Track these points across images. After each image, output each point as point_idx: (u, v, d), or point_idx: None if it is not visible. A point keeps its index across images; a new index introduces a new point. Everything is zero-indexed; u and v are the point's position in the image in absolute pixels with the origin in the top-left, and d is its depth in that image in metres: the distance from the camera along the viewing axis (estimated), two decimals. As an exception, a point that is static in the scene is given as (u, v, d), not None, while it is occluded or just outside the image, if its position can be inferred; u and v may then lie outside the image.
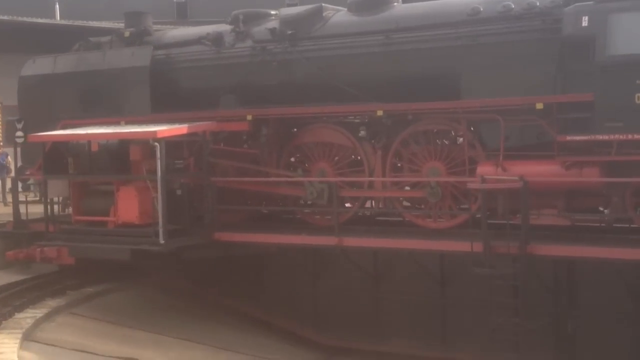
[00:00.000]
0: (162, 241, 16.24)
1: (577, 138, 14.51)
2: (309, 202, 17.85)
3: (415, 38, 16.27)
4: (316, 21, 17.57)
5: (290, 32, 17.44)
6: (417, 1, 17.78)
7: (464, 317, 17.11)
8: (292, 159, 18.39)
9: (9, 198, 22.15)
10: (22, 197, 20.73)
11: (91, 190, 18.06)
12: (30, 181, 21.50)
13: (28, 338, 14.68)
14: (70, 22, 26.84)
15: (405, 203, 17.42)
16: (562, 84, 14.73)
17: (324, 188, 17.03)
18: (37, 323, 15.38)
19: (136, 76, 18.64)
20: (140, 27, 19.76)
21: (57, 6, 33.24)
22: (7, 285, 17.55)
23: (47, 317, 15.83)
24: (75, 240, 17.56)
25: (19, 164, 21.13)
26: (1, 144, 26.86)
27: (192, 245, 17.05)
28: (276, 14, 18.40)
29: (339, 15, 17.65)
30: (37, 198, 21.16)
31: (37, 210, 20.23)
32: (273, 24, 17.97)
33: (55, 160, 18.39)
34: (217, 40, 18.41)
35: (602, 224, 15.69)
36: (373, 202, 17.82)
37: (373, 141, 17.15)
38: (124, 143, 17.72)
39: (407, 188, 17.18)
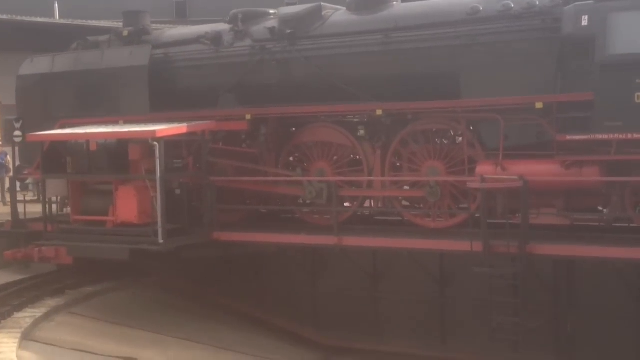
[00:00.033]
0: (161, 241, 16.21)
1: (577, 137, 14.50)
2: (308, 202, 17.82)
3: (414, 37, 16.22)
4: (315, 20, 17.53)
5: (289, 31, 17.40)
6: (416, 0, 17.75)
7: (463, 317, 17.08)
8: (291, 159, 18.36)
9: (9, 197, 22.08)
10: (20, 197, 20.69)
11: (90, 189, 18.01)
12: (29, 181, 21.47)
13: (27, 337, 14.67)
14: (69, 22, 26.83)
15: (404, 203, 17.42)
16: (561, 84, 14.74)
17: (323, 187, 17.01)
18: (36, 322, 15.37)
19: (135, 75, 18.58)
20: (138, 26, 19.71)
21: (57, 5, 33.23)
22: (6, 285, 17.54)
23: (46, 316, 15.82)
24: (74, 240, 17.51)
25: (17, 163, 21.08)
26: (0, 143, 26.82)
27: (191, 245, 17.02)
28: (275, 13, 18.36)
29: (338, 15, 17.62)
30: (35, 198, 21.12)
31: (34, 209, 20.20)
32: (272, 23, 17.95)
33: (54, 159, 18.34)
34: (216, 39, 18.37)
35: (602, 224, 15.64)
36: (372, 201, 17.78)
37: (372, 141, 17.11)
38: (123, 142, 17.67)
39: (406, 187, 17.16)
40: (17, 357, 13.44)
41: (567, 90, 14.63)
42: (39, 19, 26.57)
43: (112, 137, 17.68)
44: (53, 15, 32.29)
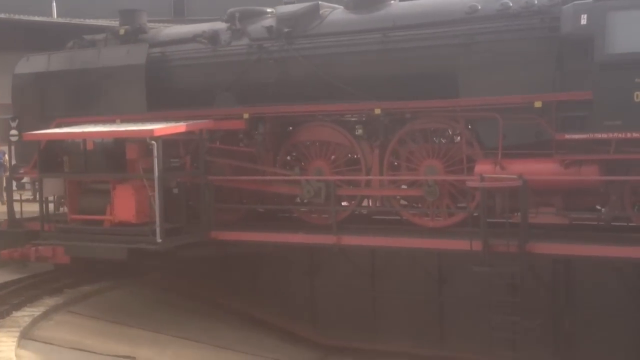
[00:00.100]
0: (159, 240, 16.19)
1: (576, 136, 14.52)
2: (305, 201, 17.80)
3: (412, 36, 16.22)
4: (313, 19, 17.52)
5: (286, 30, 17.39)
6: (414, -1, 17.78)
7: (462, 316, 17.09)
8: (289, 158, 18.33)
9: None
10: (16, 196, 20.62)
11: (87, 188, 17.98)
12: (25, 179, 21.41)
13: (26, 336, 14.64)
14: (67, 21, 26.79)
15: (402, 202, 17.41)
16: (560, 82, 14.75)
17: (321, 187, 16.99)
18: (35, 321, 15.33)
19: (132, 74, 18.57)
20: (135, 25, 19.65)
21: (54, 4, 33.17)
22: (4, 284, 17.48)
23: (45, 315, 15.79)
24: (72, 240, 17.47)
25: (14, 162, 21.00)
26: (-2, 142, 26.72)
27: (189, 244, 16.99)
28: (272, 12, 18.31)
29: (336, 13, 17.59)
30: (32, 197, 21.05)
31: (30, 209, 20.15)
32: (269, 21, 17.92)
33: (50, 158, 18.29)
34: (213, 38, 18.35)
35: (601, 223, 15.65)
36: (370, 200, 17.77)
37: (370, 140, 17.09)
38: (120, 141, 17.63)
39: (404, 187, 17.15)
40: (15, 355, 13.42)
41: (566, 89, 14.65)
42: (36, 18, 26.54)
43: (109, 136, 17.63)
44: (51, 14, 32.27)
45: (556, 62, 14.79)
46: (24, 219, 20.03)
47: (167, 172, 16.90)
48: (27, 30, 24.05)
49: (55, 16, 31.95)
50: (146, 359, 15.14)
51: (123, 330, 16.23)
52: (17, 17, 25.53)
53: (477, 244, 14.55)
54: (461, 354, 17.16)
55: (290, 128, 18.27)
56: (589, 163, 14.58)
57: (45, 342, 14.75)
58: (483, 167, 15.30)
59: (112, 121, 18.46)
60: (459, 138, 16.72)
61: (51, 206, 19.43)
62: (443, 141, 16.92)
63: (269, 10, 18.51)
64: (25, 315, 15.55)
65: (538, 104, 14.80)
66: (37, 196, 19.34)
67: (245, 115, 17.45)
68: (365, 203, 17.92)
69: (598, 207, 15.85)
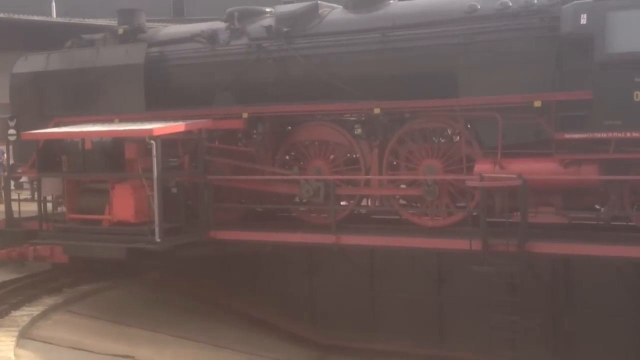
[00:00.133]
0: (158, 239, 16.17)
1: (576, 136, 14.52)
2: (304, 200, 17.78)
3: (412, 36, 16.20)
4: (312, 19, 17.50)
5: (285, 29, 17.38)
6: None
7: (461, 315, 17.11)
8: (287, 157, 18.31)
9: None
10: (15, 196, 20.59)
11: (85, 188, 17.96)
12: (23, 179, 21.38)
13: (24, 336, 14.59)
14: (66, 20, 26.78)
15: (401, 201, 17.39)
16: (560, 82, 14.74)
17: (320, 186, 16.97)
18: (34, 321, 15.30)
19: (130, 74, 18.55)
20: (134, 24, 19.63)
21: (54, 4, 33.15)
22: (2, 283, 17.42)
23: (44, 314, 15.75)
24: (70, 239, 17.44)
25: (12, 162, 20.97)
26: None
27: (188, 244, 16.97)
28: (271, 12, 18.30)
29: (335, 13, 17.58)
30: (30, 196, 21.01)
31: (27, 208, 20.11)
32: (268, 21, 17.91)
33: (48, 158, 18.26)
34: (211, 37, 18.34)
35: (600, 222, 15.64)
36: (369, 200, 17.76)
37: (369, 139, 17.08)
38: (118, 141, 17.60)
39: (403, 186, 17.14)
40: (14, 355, 13.38)
41: (565, 89, 14.64)
42: (36, 18, 26.54)
43: (108, 136, 17.61)
44: (50, 14, 32.25)
45: (556, 61, 14.78)
46: (22, 218, 19.99)
47: (166, 171, 16.85)
48: (27, 30, 24.05)
49: (55, 16, 31.97)
50: (145, 359, 15.11)
51: (122, 330, 16.21)
52: (16, 16, 25.53)
53: (476, 244, 14.54)
54: (460, 354, 17.18)
55: (289, 128, 18.25)
56: (589, 162, 14.57)
57: (44, 342, 14.71)
58: (482, 167, 15.29)
59: (110, 121, 18.42)
60: (458, 138, 16.71)
61: (49, 206, 19.35)
62: (442, 141, 16.90)
63: (267, 9, 18.50)
64: (24, 314, 15.52)
65: (537, 104, 14.80)
66: (36, 196, 19.34)
67: (244, 115, 17.43)
68: (363, 203, 17.92)
69: (597, 207, 15.85)
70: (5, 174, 20.48)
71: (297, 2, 18.05)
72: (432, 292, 17.51)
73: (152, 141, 16.14)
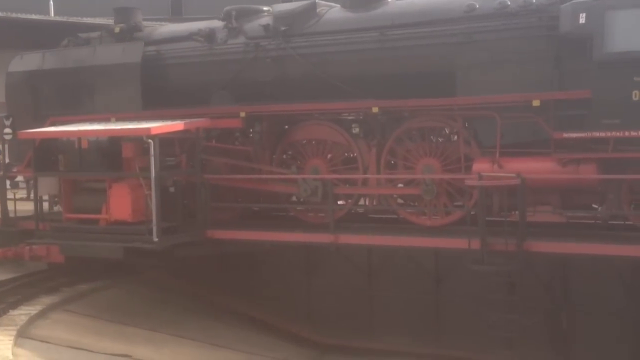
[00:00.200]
0: (155, 239, 16.11)
1: (574, 135, 14.52)
2: (301, 200, 17.76)
3: (410, 35, 16.14)
4: (310, 17, 17.45)
5: (283, 28, 17.32)
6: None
7: (459, 314, 17.14)
8: (284, 156, 18.29)
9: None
10: (10, 195, 20.52)
11: (82, 187, 17.90)
12: (19, 178, 21.29)
13: (22, 335, 14.60)
14: (64, 19, 26.70)
15: (399, 200, 17.39)
16: (559, 81, 14.72)
17: (318, 185, 16.96)
18: (32, 320, 15.31)
19: (127, 73, 18.49)
20: (130, 23, 19.55)
21: (51, 2, 33.06)
22: (0, 282, 17.41)
23: (42, 314, 15.76)
24: (67, 238, 17.38)
25: (7, 161, 20.89)
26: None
27: (186, 243, 16.93)
28: (269, 11, 18.26)
29: (333, 12, 17.55)
30: (25, 196, 20.93)
31: (22, 208, 20.05)
32: (266, 20, 17.87)
33: (44, 157, 18.21)
34: (209, 36, 18.28)
35: (598, 221, 15.67)
36: (367, 199, 17.76)
37: (367, 138, 17.08)
38: (115, 140, 17.56)
39: (400, 185, 17.14)
40: (12, 354, 13.39)
41: (564, 88, 14.62)
42: (33, 16, 26.45)
43: (106, 135, 17.54)
44: (48, 13, 32.19)
45: (554, 60, 14.74)
46: (18, 217, 19.92)
47: (164, 170, 16.81)
48: (25, 29, 23.99)
49: (53, 14, 31.91)
50: (143, 358, 15.09)
51: (120, 329, 16.20)
52: (14, 15, 25.45)
53: (475, 243, 14.55)
54: (458, 353, 17.27)
55: (286, 127, 18.24)
56: (587, 162, 14.57)
57: (42, 341, 14.71)
58: (481, 166, 15.28)
59: (106, 119, 18.36)
60: (456, 137, 16.72)
61: (44, 205, 19.30)
62: (440, 140, 16.91)
63: (265, 8, 18.46)
64: (22, 313, 15.53)
65: (536, 103, 14.77)
66: (31, 195, 19.29)
67: (242, 114, 17.37)
68: (361, 202, 17.92)
69: (594, 206, 15.87)
70: (1, 173, 20.36)
71: (294, 0, 18.01)
72: (430, 291, 17.56)
73: (150, 140, 16.09)
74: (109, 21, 20.50)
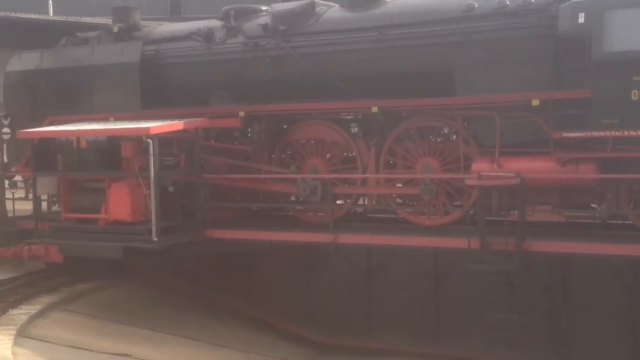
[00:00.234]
0: (155, 238, 16.10)
1: (573, 135, 14.53)
2: (300, 199, 17.76)
3: (409, 34, 16.15)
4: (309, 17, 17.43)
5: (282, 27, 17.31)
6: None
7: (458, 314, 17.14)
8: (283, 156, 18.28)
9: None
10: (8, 195, 20.50)
11: (81, 187, 17.87)
12: (17, 178, 21.27)
13: (22, 334, 14.62)
14: (63, 18, 26.68)
15: (398, 200, 17.39)
16: (558, 81, 14.74)
17: (317, 185, 16.96)
18: (31, 319, 15.33)
19: (126, 72, 18.44)
20: (129, 23, 19.52)
21: (50, 2, 33.05)
22: (0, 282, 17.40)
23: (41, 313, 15.77)
24: (66, 238, 17.36)
25: (5, 160, 20.86)
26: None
27: (185, 243, 16.92)
28: (268, 10, 18.25)
29: (332, 11, 17.55)
30: (23, 195, 20.91)
31: (20, 207, 20.04)
32: (265, 19, 17.85)
33: (43, 156, 18.20)
34: (208, 35, 18.25)
35: (597, 221, 15.68)
36: (366, 199, 17.76)
37: (366, 138, 17.09)
38: (114, 139, 17.55)
39: (399, 185, 17.15)
40: (12, 353, 13.41)
41: (563, 88, 14.64)
42: (32, 16, 26.43)
43: (105, 134, 17.52)
44: (47, 12, 32.17)
45: (553, 60, 14.76)
46: (16, 217, 19.90)
47: (163, 170, 16.80)
48: (23, 28, 23.95)
49: (52, 14, 31.91)
50: (143, 357, 15.09)
51: (120, 328, 16.20)
52: (13, 14, 25.42)
53: (474, 242, 14.55)
54: (457, 352, 17.25)
55: (285, 126, 18.24)
56: (586, 161, 14.59)
57: (42, 340, 14.72)
58: (480, 165, 15.29)
59: (105, 119, 18.34)
60: (454, 136, 16.73)
61: (43, 205, 19.27)
62: (439, 140, 16.91)
63: (264, 8, 18.44)
64: (21, 313, 15.54)
65: (535, 102, 14.79)
66: (29, 195, 19.27)
67: (241, 114, 17.38)
68: (360, 201, 17.93)
69: (593, 205, 15.88)
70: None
71: (293, 0, 18.01)
72: (429, 290, 17.55)
73: (149, 140, 16.08)
74: (109, 21, 20.47)
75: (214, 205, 17.40)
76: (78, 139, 17.76)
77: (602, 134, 14.26)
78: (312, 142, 17.83)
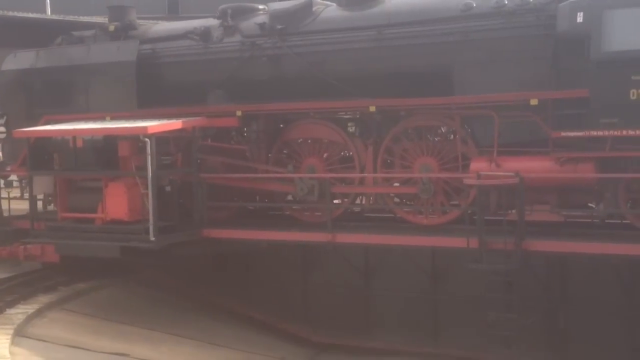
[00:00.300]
0: (152, 238, 16.08)
1: (572, 134, 14.53)
2: (297, 199, 17.72)
3: (407, 34, 16.16)
4: (306, 16, 17.42)
5: (279, 27, 17.28)
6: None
7: (456, 313, 17.14)
8: (280, 155, 18.25)
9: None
10: (4, 194, 20.45)
11: (77, 186, 17.83)
12: (12, 177, 21.21)
13: (20, 334, 14.61)
14: (61, 17, 26.61)
15: (395, 199, 17.38)
16: (556, 80, 14.75)
17: (315, 184, 16.94)
18: (29, 319, 15.32)
19: (122, 71, 18.40)
20: (125, 21, 19.48)
21: (48, 1, 32.98)
22: (-2, 281, 17.41)
23: (39, 312, 15.77)
24: (63, 238, 17.32)
25: (1, 159, 20.81)
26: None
27: (182, 242, 16.88)
28: (265, 9, 18.23)
29: (329, 10, 17.52)
30: (19, 195, 20.86)
31: (16, 207, 19.98)
32: (262, 18, 17.83)
33: (39, 156, 18.13)
34: (204, 34, 18.22)
35: (595, 220, 15.69)
36: (363, 198, 17.74)
37: (364, 137, 17.07)
38: (110, 139, 17.50)
39: (396, 184, 17.13)
40: (10, 353, 13.40)
41: (562, 87, 14.64)
42: (30, 15, 26.34)
43: (102, 134, 17.48)
44: (44, 11, 32.07)
45: (552, 59, 14.78)
46: (12, 217, 19.84)
47: (160, 169, 16.76)
48: (21, 27, 23.84)
49: (49, 13, 31.82)
50: (141, 356, 15.06)
51: (118, 328, 16.19)
52: (10, 13, 25.34)
53: (473, 242, 14.55)
54: (455, 351, 17.20)
55: (282, 125, 18.21)
56: (585, 160, 14.59)
57: (39, 340, 14.71)
58: (479, 165, 15.28)
59: (101, 118, 18.29)
60: (452, 136, 16.73)
61: (38, 204, 19.22)
62: (436, 139, 16.90)
63: (261, 7, 18.44)
64: (19, 312, 15.54)
65: (534, 102, 14.79)
66: (25, 194, 19.21)
67: (239, 113, 17.34)
68: (357, 200, 17.91)
69: (591, 205, 15.89)
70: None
71: (290, -1, 18.01)
72: (427, 290, 17.54)
73: (147, 139, 16.03)
74: (106, 20, 20.39)
75: (211, 204, 17.36)
76: (74, 138, 17.69)
77: (600, 133, 14.25)
78: (310, 141, 17.80)
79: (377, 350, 17.81)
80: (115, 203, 16.85)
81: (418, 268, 17.33)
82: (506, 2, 15.41)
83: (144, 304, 17.70)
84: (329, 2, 17.88)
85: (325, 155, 17.62)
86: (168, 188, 17.05)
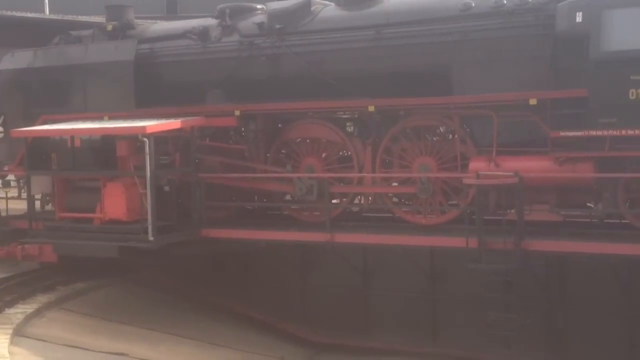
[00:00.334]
0: (151, 238, 16.06)
1: (571, 134, 14.54)
2: (296, 199, 17.71)
3: (406, 33, 16.14)
4: (304, 16, 17.40)
5: (278, 26, 17.26)
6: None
7: (455, 313, 17.15)
8: (278, 155, 18.23)
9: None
10: (2, 194, 20.41)
11: (75, 186, 17.80)
12: (10, 177, 21.18)
13: (18, 333, 14.58)
14: (59, 17, 26.58)
15: (394, 199, 17.38)
16: (555, 80, 14.75)
17: (313, 184, 16.94)
18: (28, 318, 15.28)
19: (120, 70, 18.38)
20: (123, 21, 19.44)
21: (47, 0, 32.95)
22: (-3, 281, 17.38)
23: (38, 312, 15.73)
24: (61, 238, 17.30)
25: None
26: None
27: (181, 242, 16.86)
28: (263, 9, 18.22)
29: (328, 10, 17.50)
30: (17, 195, 20.82)
31: (13, 207, 19.93)
32: (260, 18, 17.81)
33: (37, 155, 18.10)
34: (203, 34, 18.20)
35: (594, 220, 15.69)
36: (362, 198, 17.73)
37: (362, 137, 17.07)
38: (108, 138, 17.47)
39: (395, 184, 17.13)
40: (8, 352, 13.37)
41: (561, 87, 14.64)
42: (28, 14, 26.32)
43: (100, 133, 17.45)
44: (43, 11, 32.04)
45: (551, 59, 14.78)
46: (10, 216, 19.81)
47: (159, 169, 16.73)
48: (19, 27, 23.81)
49: (48, 12, 31.78)
50: (140, 356, 15.05)
51: (117, 328, 16.16)
52: (8, 13, 25.32)
53: (472, 241, 14.55)
54: (453, 351, 17.21)
55: (280, 125, 18.20)
56: (584, 160, 14.60)
57: (38, 339, 14.68)
58: (477, 165, 15.28)
59: (99, 118, 18.26)
60: (451, 135, 16.72)
61: (36, 204, 19.19)
62: (435, 139, 16.90)
63: (259, 6, 18.42)
64: (18, 312, 15.50)
65: (533, 102, 14.79)
66: (22, 194, 19.17)
67: (237, 113, 17.33)
68: (356, 200, 17.90)
69: (589, 205, 15.89)
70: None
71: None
72: (426, 289, 17.55)
73: (145, 139, 16.01)
74: (104, 19, 20.36)
75: (210, 204, 17.34)
76: (72, 137, 17.65)
77: (599, 133, 14.25)
78: (308, 141, 17.79)
79: (376, 350, 17.82)
80: (114, 203, 16.82)
81: (417, 268, 17.34)
82: (505, 2, 15.40)
83: (142, 303, 17.67)
84: (327, 2, 17.86)
85: (323, 155, 17.63)
86: (166, 188, 17.04)
